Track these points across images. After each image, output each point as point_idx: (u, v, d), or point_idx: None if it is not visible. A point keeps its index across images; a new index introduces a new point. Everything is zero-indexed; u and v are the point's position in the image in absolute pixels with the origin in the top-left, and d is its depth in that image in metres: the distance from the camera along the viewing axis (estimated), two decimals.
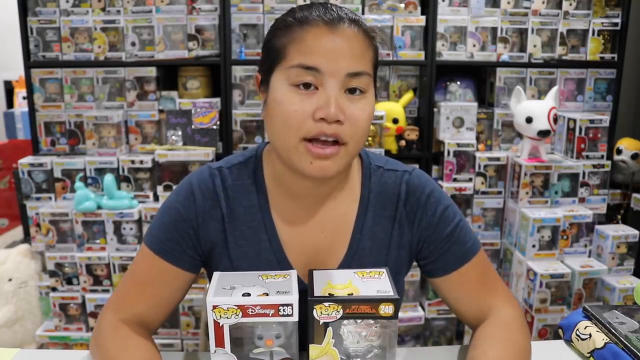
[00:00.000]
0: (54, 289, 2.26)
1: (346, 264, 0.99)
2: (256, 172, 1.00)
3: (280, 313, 0.80)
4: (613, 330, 0.95)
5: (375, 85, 0.95)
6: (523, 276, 2.20)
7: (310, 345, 0.83)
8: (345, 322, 0.83)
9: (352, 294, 0.83)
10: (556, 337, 1.08)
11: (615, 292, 2.11)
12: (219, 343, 0.81)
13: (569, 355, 1.00)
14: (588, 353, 0.97)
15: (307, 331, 0.83)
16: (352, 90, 0.88)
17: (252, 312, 0.79)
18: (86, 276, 2.23)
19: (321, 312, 0.81)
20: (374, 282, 0.86)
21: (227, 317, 0.80)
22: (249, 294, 0.81)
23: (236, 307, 0.79)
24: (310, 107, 0.85)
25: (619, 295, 2.10)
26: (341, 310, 0.81)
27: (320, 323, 0.82)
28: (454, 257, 1.00)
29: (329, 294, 0.83)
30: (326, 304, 0.81)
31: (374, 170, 1.03)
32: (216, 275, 0.87)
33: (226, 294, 0.81)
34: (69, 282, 2.25)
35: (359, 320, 0.83)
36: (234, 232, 0.99)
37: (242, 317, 0.80)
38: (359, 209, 1.01)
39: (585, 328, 1.00)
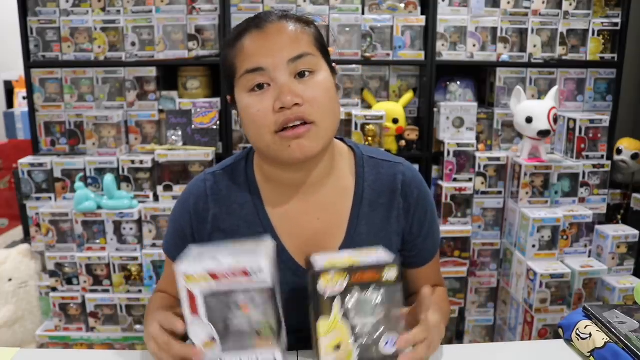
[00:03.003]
0: (54, 289, 2.26)
1: (345, 248, 1.04)
2: (247, 171, 1.07)
3: (250, 276, 0.79)
4: (613, 330, 0.95)
5: (329, 61, 1.00)
6: (523, 276, 2.20)
7: (318, 322, 0.83)
8: (349, 296, 0.82)
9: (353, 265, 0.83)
10: (556, 336, 1.08)
11: (615, 292, 2.11)
12: (194, 311, 0.81)
13: (569, 354, 1.00)
14: (588, 352, 0.97)
15: (314, 309, 0.82)
16: (301, 74, 0.94)
17: (222, 277, 0.79)
18: (86, 276, 2.23)
19: (326, 283, 0.81)
20: (372, 255, 0.87)
21: (200, 285, 0.80)
22: (218, 260, 0.80)
23: (207, 273, 0.79)
24: (269, 102, 0.92)
25: (619, 295, 2.10)
26: (347, 278, 0.81)
27: (326, 297, 0.81)
28: (430, 251, 1.12)
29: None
30: (330, 273, 0.81)
31: (366, 160, 1.08)
32: (190, 247, 0.89)
33: (196, 262, 0.81)
34: (69, 282, 2.25)
35: (364, 292, 0.82)
36: (231, 227, 1.04)
37: (213, 283, 0.79)
38: (355, 196, 1.05)
39: (585, 327, 1.00)
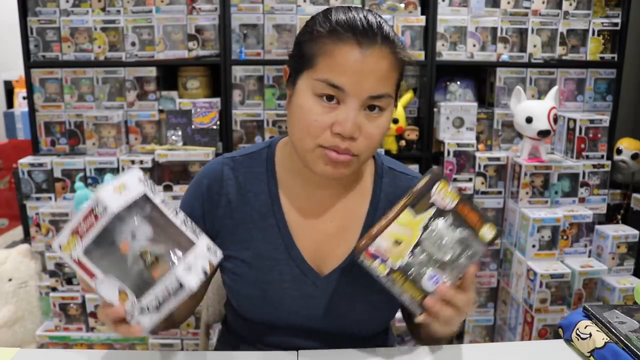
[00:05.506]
0: (54, 289, 2.26)
1: None
2: (268, 161, 1.05)
3: (97, 213, 0.79)
4: (613, 330, 0.95)
5: (397, 98, 0.97)
6: (523, 276, 2.20)
7: (407, 208, 0.80)
8: (442, 218, 0.79)
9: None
10: (556, 336, 1.08)
11: (615, 292, 2.11)
12: (90, 275, 0.82)
13: (569, 354, 1.00)
14: (588, 352, 0.97)
15: (412, 197, 0.79)
16: (371, 107, 0.91)
17: (81, 229, 0.80)
18: None
19: (440, 190, 0.78)
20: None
21: (75, 248, 0.81)
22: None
23: (70, 235, 0.81)
24: (329, 119, 0.89)
25: (619, 295, 2.10)
26: (455, 203, 0.78)
27: (430, 200, 0.78)
28: None
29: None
30: (450, 187, 0.78)
31: (386, 171, 1.08)
32: None
33: (65, 230, 0.82)
34: (69, 282, 2.25)
35: (454, 227, 0.79)
36: (243, 216, 1.02)
37: (81, 240, 0.80)
38: (370, 205, 1.05)
39: (585, 327, 1.00)
